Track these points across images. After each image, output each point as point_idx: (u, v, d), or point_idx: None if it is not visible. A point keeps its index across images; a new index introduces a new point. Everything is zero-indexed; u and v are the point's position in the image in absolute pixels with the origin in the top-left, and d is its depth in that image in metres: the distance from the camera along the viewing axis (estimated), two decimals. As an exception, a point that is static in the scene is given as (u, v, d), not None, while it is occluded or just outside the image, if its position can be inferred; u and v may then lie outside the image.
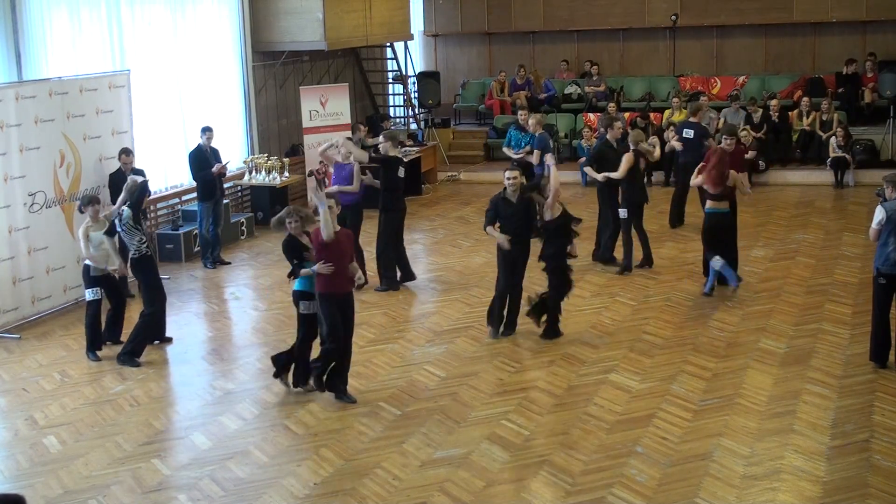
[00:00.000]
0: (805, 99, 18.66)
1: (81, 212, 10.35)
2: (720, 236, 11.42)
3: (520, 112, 15.33)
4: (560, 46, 22.32)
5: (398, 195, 12.16)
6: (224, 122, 15.86)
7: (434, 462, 7.76)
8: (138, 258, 10.04)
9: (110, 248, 10.19)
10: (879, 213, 9.14)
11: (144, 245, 10.00)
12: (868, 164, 17.61)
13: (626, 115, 19.00)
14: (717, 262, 11.41)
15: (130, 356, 10.04)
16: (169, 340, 10.67)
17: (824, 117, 18.26)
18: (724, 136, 12.11)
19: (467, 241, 14.64)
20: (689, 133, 14.56)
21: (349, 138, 13.04)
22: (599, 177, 12.64)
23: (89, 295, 10.19)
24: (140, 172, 11.69)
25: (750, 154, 17.36)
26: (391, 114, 21.49)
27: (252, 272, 13.52)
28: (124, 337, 10.35)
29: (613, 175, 12.39)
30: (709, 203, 11.48)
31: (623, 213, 12.44)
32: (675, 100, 18.65)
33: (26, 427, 8.67)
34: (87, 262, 10.10)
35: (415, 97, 21.15)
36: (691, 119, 14.92)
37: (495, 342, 10.32)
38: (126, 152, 12.21)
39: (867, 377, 9.12)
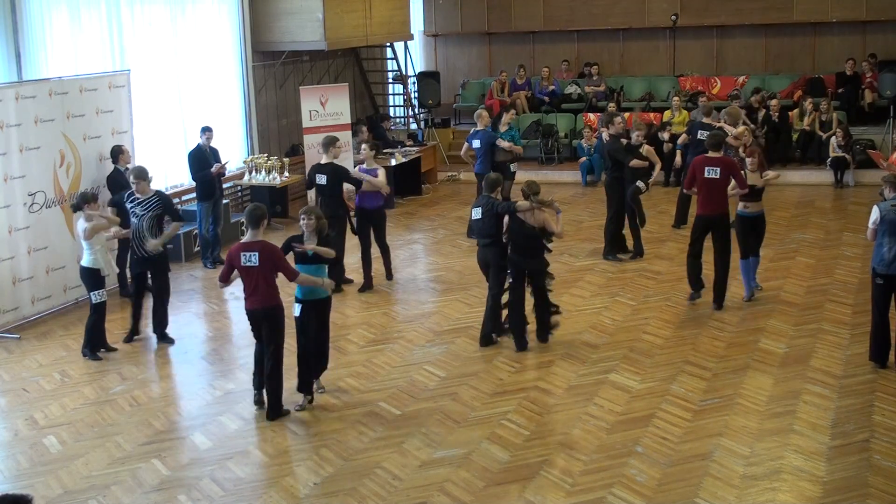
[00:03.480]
0: (808, 100, 18.64)
1: (77, 210, 10.15)
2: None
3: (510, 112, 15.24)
4: (560, 46, 22.31)
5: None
6: (224, 122, 15.88)
7: (434, 462, 7.76)
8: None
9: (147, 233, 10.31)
10: (874, 213, 9.16)
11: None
12: (868, 164, 17.55)
13: (627, 114, 19.02)
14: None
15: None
16: (171, 341, 10.73)
17: (823, 117, 18.27)
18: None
19: (467, 241, 14.62)
20: (703, 135, 14.30)
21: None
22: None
23: (95, 297, 10.18)
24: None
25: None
26: (391, 114, 21.51)
27: (252, 272, 13.50)
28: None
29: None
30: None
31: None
32: (676, 99, 18.63)
33: (26, 427, 8.68)
34: (90, 264, 10.12)
35: (415, 97, 21.15)
36: (704, 120, 14.77)
37: (496, 342, 10.34)
38: (120, 150, 12.07)
39: (867, 377, 9.12)
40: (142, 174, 10.37)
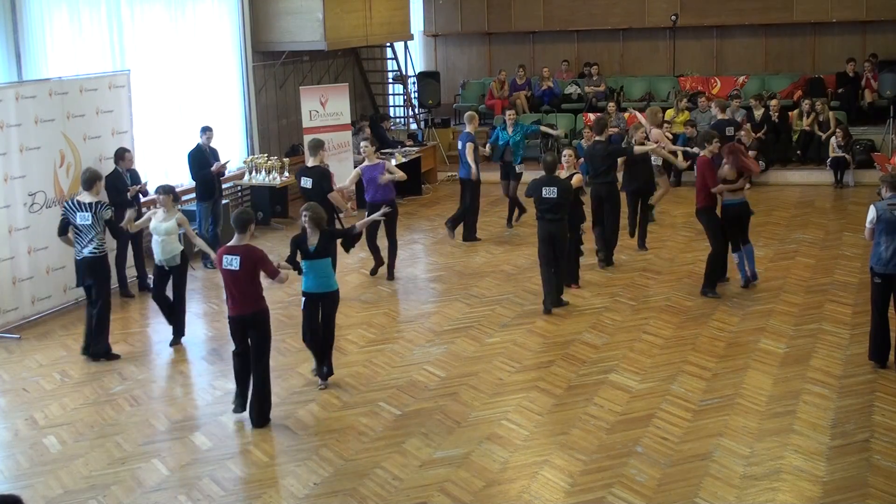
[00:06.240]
0: (807, 101, 18.64)
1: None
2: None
3: (507, 113, 15.36)
4: (560, 46, 22.33)
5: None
6: (224, 122, 15.88)
7: (434, 462, 7.76)
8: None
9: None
10: (871, 212, 9.16)
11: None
12: (868, 164, 17.59)
13: (627, 115, 19.02)
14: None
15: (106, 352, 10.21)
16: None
17: (820, 118, 18.27)
18: (704, 143, 11.67)
19: (469, 240, 14.60)
20: (729, 131, 14.26)
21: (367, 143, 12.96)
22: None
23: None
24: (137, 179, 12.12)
25: (750, 154, 17.37)
26: (391, 114, 21.51)
27: (252, 272, 13.48)
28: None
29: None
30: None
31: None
32: (685, 101, 18.62)
33: (26, 427, 8.67)
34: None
35: (415, 97, 21.15)
36: (720, 116, 14.69)
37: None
38: (125, 151, 12.14)
39: (867, 377, 9.12)
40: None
